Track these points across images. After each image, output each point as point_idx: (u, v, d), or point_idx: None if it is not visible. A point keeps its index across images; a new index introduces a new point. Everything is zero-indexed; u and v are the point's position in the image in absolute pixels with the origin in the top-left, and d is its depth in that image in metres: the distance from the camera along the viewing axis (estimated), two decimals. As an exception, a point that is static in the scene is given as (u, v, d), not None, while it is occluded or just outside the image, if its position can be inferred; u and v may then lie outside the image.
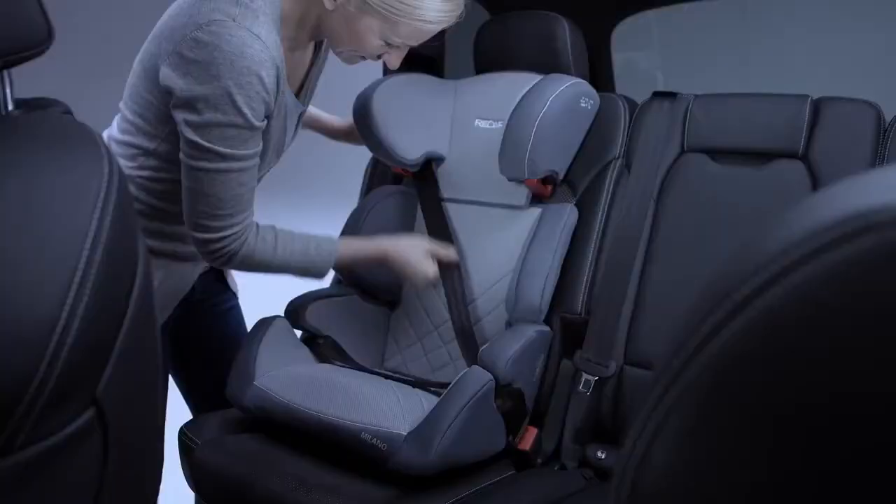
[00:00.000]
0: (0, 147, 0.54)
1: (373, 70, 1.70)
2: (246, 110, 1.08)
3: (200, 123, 1.08)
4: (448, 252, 1.49)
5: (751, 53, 3.30)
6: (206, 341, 1.49)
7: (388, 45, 1.21)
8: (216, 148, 1.09)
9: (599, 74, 1.79)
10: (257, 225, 1.22)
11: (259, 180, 1.32)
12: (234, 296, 1.54)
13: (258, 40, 1.08)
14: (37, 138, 0.56)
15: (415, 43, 1.23)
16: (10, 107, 0.63)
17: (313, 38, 1.26)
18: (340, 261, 1.34)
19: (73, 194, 0.52)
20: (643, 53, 3.43)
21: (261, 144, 1.16)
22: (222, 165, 1.10)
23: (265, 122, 1.15)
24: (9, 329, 0.46)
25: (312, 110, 1.54)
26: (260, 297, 1.88)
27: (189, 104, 1.08)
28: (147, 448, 0.58)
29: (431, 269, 1.41)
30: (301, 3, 1.17)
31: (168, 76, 1.09)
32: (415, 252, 1.40)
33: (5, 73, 0.62)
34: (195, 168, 1.11)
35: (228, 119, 1.08)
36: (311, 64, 1.34)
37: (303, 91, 1.33)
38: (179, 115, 1.10)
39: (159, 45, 1.13)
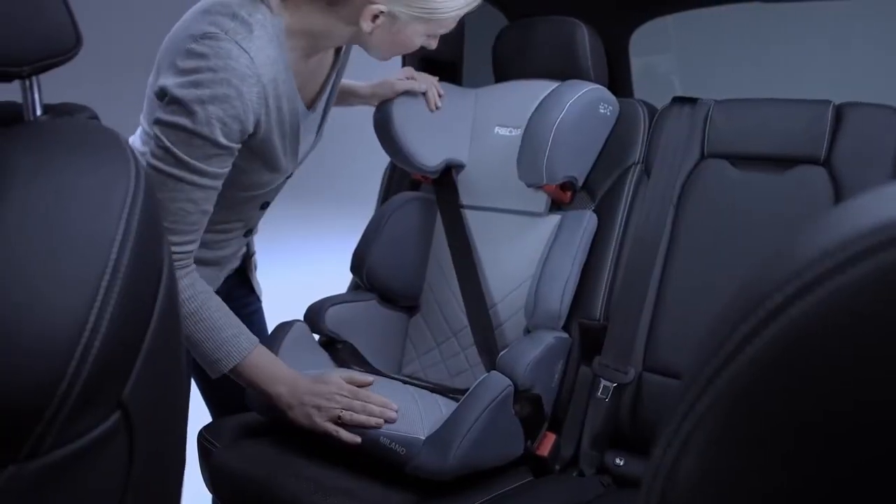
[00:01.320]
0: (29, 151, 0.55)
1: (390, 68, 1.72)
2: (216, 125, 1.07)
3: (170, 123, 1.07)
4: (364, 379, 1.32)
5: (768, 58, 3.28)
6: None
7: (430, 36, 1.25)
8: (176, 151, 1.07)
9: (618, 79, 1.79)
10: (197, 277, 1.20)
11: (276, 192, 1.37)
12: (257, 299, 1.56)
13: (245, 55, 1.07)
14: (65, 143, 0.57)
15: (454, 24, 1.25)
16: (39, 112, 0.64)
17: (329, 47, 1.27)
18: (241, 368, 1.22)
19: (101, 198, 0.53)
20: (660, 58, 3.43)
21: (228, 167, 1.14)
22: (176, 172, 1.08)
23: (239, 145, 1.13)
24: (37, 332, 0.46)
25: (345, 83, 1.51)
26: (280, 301, 1.89)
27: (167, 103, 1.08)
28: (171, 451, 0.59)
29: (320, 420, 1.24)
30: (305, 16, 1.16)
31: (162, 83, 1.09)
32: (311, 398, 1.24)
33: (34, 79, 0.63)
34: (151, 166, 1.09)
35: (197, 128, 1.06)
36: (332, 67, 1.34)
37: (321, 95, 1.33)
38: (157, 113, 1.10)
39: (163, 58, 1.14)
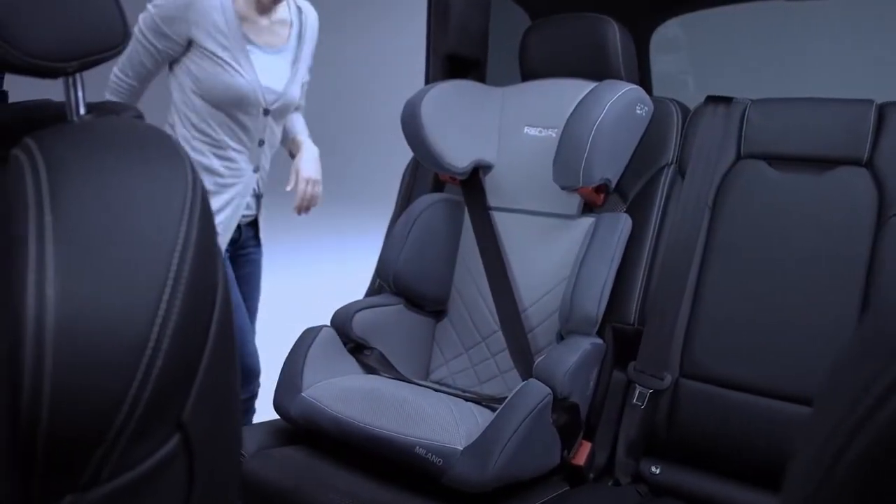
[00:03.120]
0: (79, 154, 0.51)
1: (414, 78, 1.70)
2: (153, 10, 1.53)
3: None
4: None
5: (785, 57, 3.24)
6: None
7: None
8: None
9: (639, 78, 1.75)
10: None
11: (269, 130, 1.68)
12: (260, 248, 1.82)
13: None
14: (116, 144, 0.53)
15: None
16: (83, 111, 0.60)
17: None
18: None
19: (159, 204, 0.49)
20: (672, 57, 3.38)
21: (146, 64, 1.58)
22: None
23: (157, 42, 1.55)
24: (97, 349, 0.43)
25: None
26: (306, 305, 1.87)
27: None
28: (229, 473, 0.55)
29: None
30: None
31: None
32: None
33: (77, 76, 0.59)
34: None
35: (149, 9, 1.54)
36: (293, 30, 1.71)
37: (282, 48, 1.67)
38: None
39: None
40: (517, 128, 1.59)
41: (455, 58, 1.76)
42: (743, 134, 1.45)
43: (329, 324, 1.46)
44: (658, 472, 1.36)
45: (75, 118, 0.59)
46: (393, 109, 1.86)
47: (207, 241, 0.52)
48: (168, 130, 1.63)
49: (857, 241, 1.30)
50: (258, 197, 1.75)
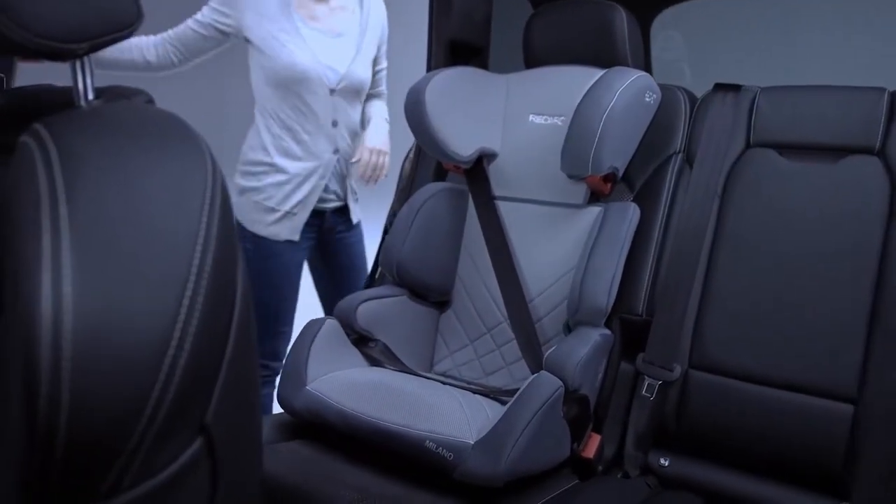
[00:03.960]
0: (91, 141, 0.48)
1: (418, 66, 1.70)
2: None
3: None
4: None
5: (783, 46, 3.22)
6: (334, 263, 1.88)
7: None
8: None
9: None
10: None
11: (339, 111, 1.73)
12: (357, 232, 1.89)
13: None
14: (129, 131, 0.50)
15: None
16: (91, 96, 0.57)
17: None
18: None
19: (178, 194, 0.46)
20: (669, 44, 3.35)
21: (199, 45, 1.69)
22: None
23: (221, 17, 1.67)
24: (118, 350, 0.40)
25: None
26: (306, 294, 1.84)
27: None
28: (252, 476, 0.52)
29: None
30: None
31: None
32: None
33: (86, 59, 0.56)
34: None
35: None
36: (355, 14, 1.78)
37: (343, 32, 1.74)
38: None
39: None
40: (522, 116, 1.56)
41: (458, 44, 1.73)
42: (752, 122, 1.43)
43: (332, 315, 1.43)
44: (667, 464, 1.35)
45: (83, 103, 0.56)
46: (394, 96, 1.83)
47: (228, 232, 0.49)
48: (255, 128, 1.75)
49: (869, 231, 1.28)
50: (343, 179, 1.79)
